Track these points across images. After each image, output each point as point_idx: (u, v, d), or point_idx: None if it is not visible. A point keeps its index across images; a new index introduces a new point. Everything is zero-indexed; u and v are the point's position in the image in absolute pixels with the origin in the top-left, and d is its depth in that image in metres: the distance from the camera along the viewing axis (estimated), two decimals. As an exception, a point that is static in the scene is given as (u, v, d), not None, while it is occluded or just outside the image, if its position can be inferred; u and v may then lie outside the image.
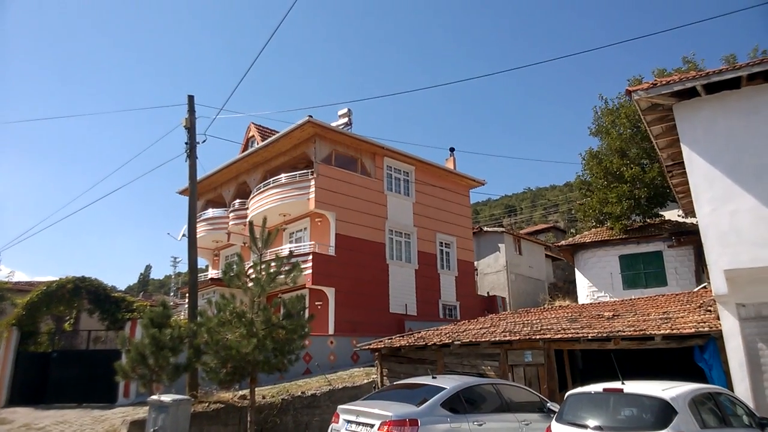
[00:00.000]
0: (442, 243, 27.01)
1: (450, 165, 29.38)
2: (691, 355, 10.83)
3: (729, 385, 9.72)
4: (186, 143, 14.94)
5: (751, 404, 8.88)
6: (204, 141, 15.45)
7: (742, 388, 9.54)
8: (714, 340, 10.39)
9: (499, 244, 30.47)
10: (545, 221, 59.69)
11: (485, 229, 33.19)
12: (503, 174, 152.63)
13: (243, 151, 27.38)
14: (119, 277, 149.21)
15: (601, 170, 20.94)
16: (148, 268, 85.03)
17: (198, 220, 25.34)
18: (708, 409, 6.84)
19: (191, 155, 14.88)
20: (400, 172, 25.94)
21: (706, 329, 10.32)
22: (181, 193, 29.30)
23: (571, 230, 43.47)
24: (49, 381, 17.04)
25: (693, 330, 10.42)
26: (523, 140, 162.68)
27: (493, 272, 30.53)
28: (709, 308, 11.50)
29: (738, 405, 7.64)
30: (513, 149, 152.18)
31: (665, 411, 6.16)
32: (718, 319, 10.23)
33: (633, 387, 6.72)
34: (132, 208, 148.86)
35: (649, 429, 6.05)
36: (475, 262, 29.98)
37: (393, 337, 15.84)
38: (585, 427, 6.47)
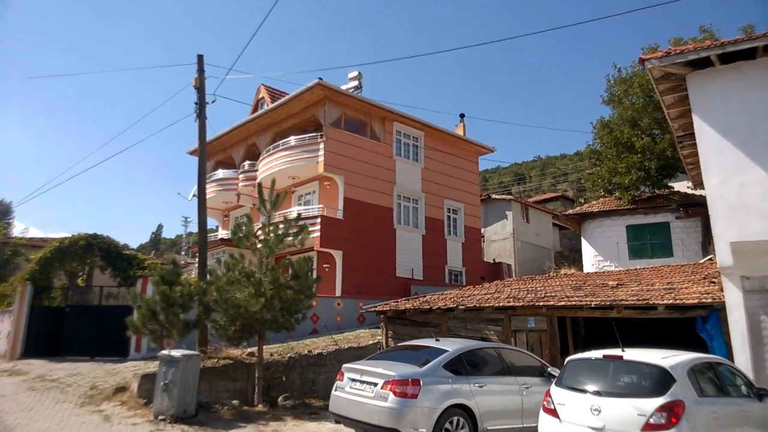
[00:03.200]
0: (449, 209, 27.05)
1: (459, 131, 29.19)
2: (693, 326, 10.95)
3: (729, 356, 9.85)
4: (195, 103, 14.92)
5: (750, 375, 9.01)
6: (213, 101, 15.49)
7: (742, 359, 9.67)
8: (716, 312, 10.49)
9: (507, 212, 30.48)
10: (554, 190, 59.43)
11: (493, 196, 33.15)
12: (513, 142, 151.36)
13: (253, 113, 27.28)
14: (131, 236, 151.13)
15: (611, 140, 20.76)
16: (160, 227, 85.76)
17: (208, 180, 25.49)
18: (707, 378, 6.96)
19: (201, 115, 14.87)
20: (409, 138, 25.82)
21: (709, 300, 10.41)
22: (192, 153, 29.39)
23: (580, 200, 43.30)
24: (63, 335, 17.50)
25: (696, 301, 10.52)
26: (535, 109, 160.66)
27: (500, 239, 30.63)
28: (713, 280, 11.57)
29: (737, 375, 7.76)
30: (524, 117, 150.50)
31: (664, 378, 6.29)
32: (722, 290, 10.31)
33: (633, 354, 6.85)
34: (144, 167, 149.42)
35: (647, 396, 6.19)
36: (482, 229, 30.07)
37: (399, 300, 16.08)
38: (584, 391, 6.63)
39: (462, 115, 30.08)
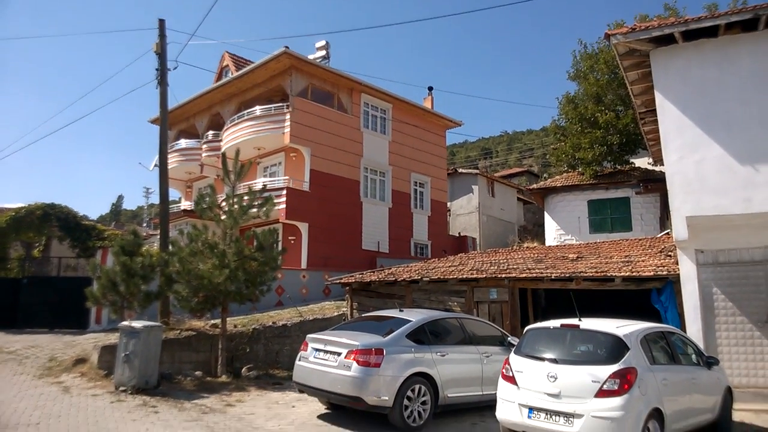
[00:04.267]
0: (416, 183, 27.12)
1: (428, 104, 29.11)
2: (649, 298, 11.34)
3: (682, 326, 10.24)
4: (157, 69, 14.47)
5: (701, 345, 9.40)
6: (175, 68, 15.01)
7: (694, 330, 10.07)
8: (671, 284, 10.87)
9: (473, 186, 30.72)
10: (520, 165, 60.08)
11: (460, 170, 33.33)
12: (481, 116, 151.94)
13: (217, 81, 26.64)
14: (91, 207, 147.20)
15: (576, 115, 21.03)
16: (121, 198, 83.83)
17: (170, 150, 24.91)
18: (659, 347, 7.23)
19: (162, 82, 14.45)
20: (377, 110, 25.64)
21: (665, 273, 10.77)
22: (153, 122, 28.55)
23: (544, 175, 43.92)
24: (20, 307, 17.05)
25: (652, 273, 10.87)
26: (503, 83, 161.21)
27: (466, 213, 30.91)
28: (669, 253, 11.95)
29: (689, 345, 8.08)
30: (491, 92, 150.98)
31: (618, 347, 6.50)
32: (677, 264, 10.66)
33: (589, 324, 7.04)
34: (104, 136, 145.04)
35: (602, 363, 6.39)
36: (449, 203, 30.28)
37: (364, 272, 16.15)
38: (541, 359, 6.80)
39: (430, 89, 30.01)
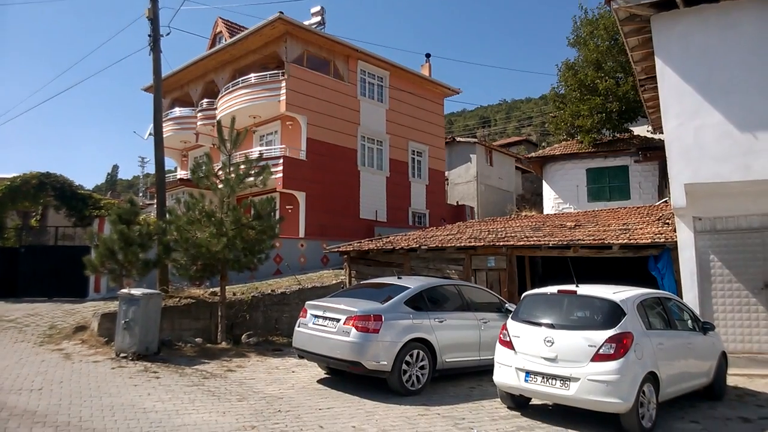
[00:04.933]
0: (414, 151, 26.97)
1: (425, 72, 28.75)
2: (646, 265, 11.41)
3: (679, 292, 10.35)
4: (149, 36, 14.21)
5: (697, 311, 9.50)
6: (168, 34, 14.75)
7: (690, 296, 10.17)
8: (668, 251, 10.92)
9: (471, 155, 30.58)
10: (518, 134, 59.76)
11: (458, 139, 33.14)
12: (479, 84, 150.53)
13: (210, 48, 26.22)
14: (86, 177, 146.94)
15: (575, 82, 20.80)
16: (116, 168, 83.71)
17: (164, 119, 24.66)
18: (655, 312, 7.30)
19: (155, 48, 14.20)
20: (374, 77, 25.33)
21: (662, 240, 10.81)
22: (147, 90, 28.16)
23: (543, 144, 43.73)
24: (18, 276, 17.05)
25: (649, 241, 10.91)
26: (502, 50, 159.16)
27: (464, 182, 30.85)
28: (667, 221, 11.97)
29: (684, 310, 8.16)
30: (490, 59, 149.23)
31: (614, 312, 6.55)
32: (675, 231, 10.70)
33: (586, 290, 7.09)
34: (97, 105, 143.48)
35: (599, 328, 6.45)
36: (446, 172, 30.18)
37: (362, 241, 16.18)
38: (539, 324, 6.86)
39: (428, 55, 29.67)
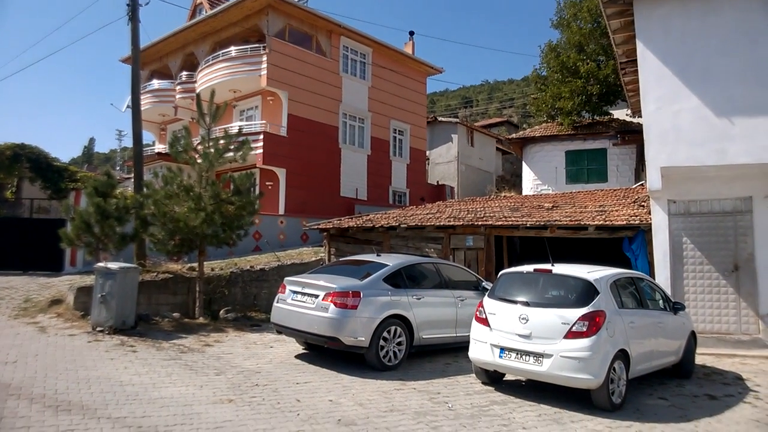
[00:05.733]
0: (395, 130, 26.90)
1: (408, 50, 28.56)
2: (621, 246, 11.62)
3: (651, 273, 10.57)
4: (128, 4, 13.87)
5: (669, 291, 9.74)
6: (147, 3, 14.39)
7: (662, 277, 10.40)
8: (643, 233, 11.13)
9: (452, 135, 30.59)
10: (500, 115, 59.84)
11: (440, 119, 33.08)
12: (462, 65, 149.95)
13: (190, 19, 25.68)
14: (62, 150, 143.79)
15: (557, 64, 20.89)
16: (92, 141, 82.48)
17: (143, 91, 24.19)
18: (628, 292, 7.46)
19: (133, 18, 13.87)
20: (356, 54, 25.09)
21: (637, 222, 11.01)
22: (125, 61, 27.55)
23: (524, 125, 43.92)
24: (-8, 248, 16.75)
25: (624, 222, 11.10)
26: (485, 31, 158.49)
27: (445, 162, 30.90)
28: (642, 203, 12.18)
29: (657, 290, 8.35)
30: (474, 39, 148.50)
31: (588, 291, 6.69)
32: (649, 213, 10.90)
33: (561, 269, 7.21)
34: (74, 76, 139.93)
35: (573, 306, 6.58)
36: (428, 152, 30.18)
37: (342, 218, 16.19)
38: (514, 302, 6.98)
39: (411, 33, 29.38)
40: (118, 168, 51.88)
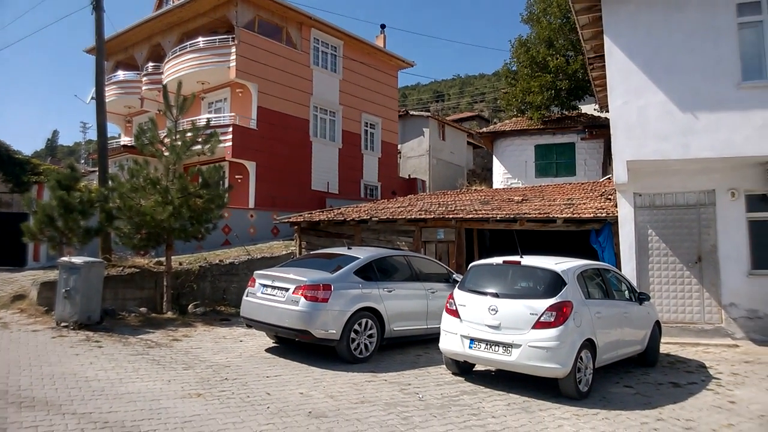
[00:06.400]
0: (367, 123, 26.83)
1: (380, 43, 28.48)
2: (588, 238, 11.83)
3: (618, 264, 10.79)
4: (92, -7, 13.50)
5: (634, 282, 9.94)
6: (112, -8, 14.00)
7: (628, 268, 10.62)
8: (609, 225, 11.34)
9: (424, 129, 30.67)
10: (471, 110, 60.21)
11: (411, 112, 33.12)
12: (434, 59, 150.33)
13: (157, 9, 25.14)
14: (24, 142, 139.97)
15: (527, 59, 21.09)
16: (56, 133, 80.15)
17: (108, 82, 23.67)
18: (595, 283, 7.59)
19: (98, 7, 13.48)
20: (327, 46, 24.91)
21: (604, 215, 11.21)
22: (89, 51, 26.80)
23: (495, 120, 44.27)
24: (-50, 243, 16.20)
25: (591, 215, 11.29)
26: (457, 25, 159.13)
27: (416, 156, 30.97)
28: (609, 197, 12.40)
29: (623, 281, 8.52)
30: (445, 33, 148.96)
31: (556, 282, 6.78)
32: (616, 207, 11.10)
33: (529, 260, 7.30)
34: (36, 67, 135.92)
35: (541, 297, 6.67)
36: (399, 145, 30.21)
37: (313, 212, 16.10)
38: (484, 294, 7.04)
39: (383, 26, 29.33)
40: (82, 161, 50.54)
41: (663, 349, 9.14)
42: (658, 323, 8.78)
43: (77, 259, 9.77)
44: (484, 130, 24.20)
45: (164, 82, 21.44)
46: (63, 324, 9.41)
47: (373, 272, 8.63)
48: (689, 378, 7.76)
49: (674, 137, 9.96)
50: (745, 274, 10.17)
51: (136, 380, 6.52)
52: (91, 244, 12.09)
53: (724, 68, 9.78)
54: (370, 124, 27.07)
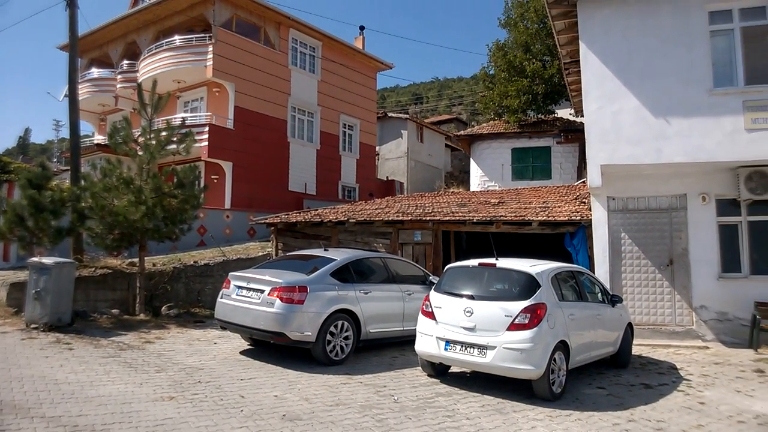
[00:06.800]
0: (345, 125, 26.80)
1: (359, 44, 28.49)
2: (563, 241, 11.97)
3: (591, 267, 10.92)
4: (65, -12, 13.26)
5: (607, 284, 10.09)
6: (87, -13, 13.78)
7: (602, 271, 10.76)
8: (583, 228, 11.50)
9: (402, 131, 30.75)
10: (449, 112, 60.50)
11: (390, 114, 33.18)
12: (412, 61, 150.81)
13: (133, 6, 24.76)
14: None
15: (505, 63, 21.28)
16: (28, 131, 78.49)
17: (82, 80, 23.24)
18: (569, 285, 7.68)
19: (71, 3, 13.27)
20: (306, 47, 24.82)
21: (578, 218, 11.36)
22: (62, 48, 26.31)
23: (473, 123, 44.53)
24: None
25: (566, 218, 11.44)
26: (436, 28, 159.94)
27: (394, 158, 31.03)
28: (583, 200, 12.58)
29: (596, 284, 8.63)
30: (424, 36, 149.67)
31: (530, 284, 6.85)
32: (590, 210, 11.25)
33: (505, 263, 7.35)
34: (8, 63, 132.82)
35: (515, 299, 6.73)
36: (378, 147, 30.23)
37: (290, 213, 16.01)
38: (459, 296, 7.07)
39: (362, 28, 29.38)
40: (54, 159, 49.55)
41: (635, 350, 9.27)
42: (630, 325, 8.90)
43: (48, 260, 9.57)
44: (462, 132, 24.35)
45: (139, 81, 21.12)
46: (33, 325, 9.20)
47: (350, 274, 8.60)
48: (660, 379, 7.89)
49: (647, 142, 10.14)
50: (716, 277, 10.39)
51: (107, 383, 6.40)
52: (63, 244, 11.84)
53: (697, 74, 10.00)
54: (349, 126, 27.04)
